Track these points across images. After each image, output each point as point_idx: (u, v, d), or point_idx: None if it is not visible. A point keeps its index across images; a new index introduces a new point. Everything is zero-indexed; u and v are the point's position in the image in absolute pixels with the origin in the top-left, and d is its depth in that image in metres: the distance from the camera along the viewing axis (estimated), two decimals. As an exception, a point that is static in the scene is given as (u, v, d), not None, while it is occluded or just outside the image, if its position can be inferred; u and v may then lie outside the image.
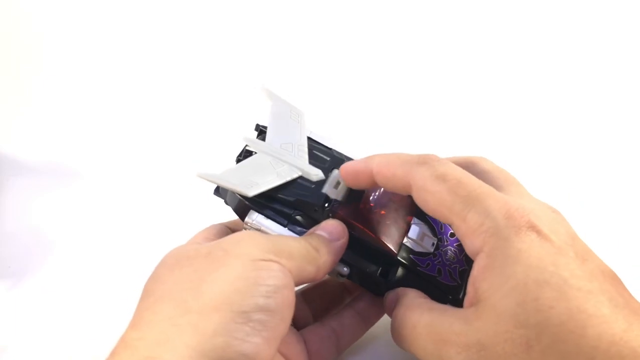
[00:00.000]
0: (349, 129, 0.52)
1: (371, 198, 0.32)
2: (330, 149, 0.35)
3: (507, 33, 0.61)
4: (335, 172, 0.32)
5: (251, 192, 0.29)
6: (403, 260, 0.31)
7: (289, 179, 0.31)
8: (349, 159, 0.35)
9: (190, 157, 0.52)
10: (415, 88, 0.58)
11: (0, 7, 0.62)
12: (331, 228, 0.30)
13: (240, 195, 0.31)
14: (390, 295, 0.30)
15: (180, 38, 0.61)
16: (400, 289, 0.30)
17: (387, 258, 0.31)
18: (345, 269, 0.31)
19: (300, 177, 0.32)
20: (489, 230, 0.24)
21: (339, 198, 0.31)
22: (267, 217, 0.31)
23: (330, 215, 0.31)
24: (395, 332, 0.28)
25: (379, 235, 0.31)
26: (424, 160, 0.27)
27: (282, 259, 0.26)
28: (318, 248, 0.29)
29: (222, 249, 0.26)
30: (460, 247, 0.32)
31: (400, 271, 0.31)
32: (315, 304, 0.36)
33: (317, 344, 0.32)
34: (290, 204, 0.31)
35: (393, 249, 0.31)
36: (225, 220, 0.35)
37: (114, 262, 0.44)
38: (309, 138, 0.35)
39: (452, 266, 0.31)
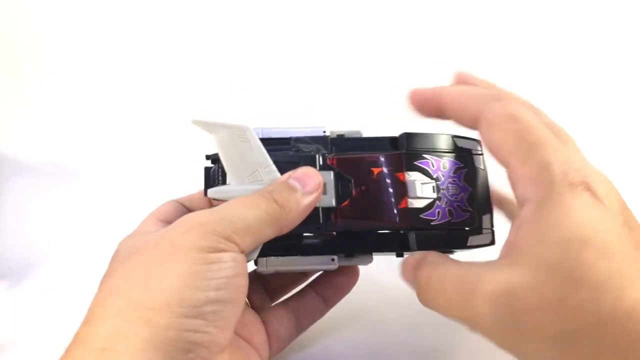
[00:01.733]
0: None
1: (360, 181, 0.31)
2: (289, 139, 0.32)
3: (508, 32, 0.61)
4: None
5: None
6: (416, 226, 0.30)
7: None
8: (316, 147, 0.32)
9: (190, 156, 0.52)
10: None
11: (0, 7, 0.62)
12: (306, 178, 0.28)
13: None
14: (410, 259, 0.29)
15: (181, 38, 0.61)
16: (420, 254, 0.29)
17: (400, 233, 0.31)
18: (333, 260, 0.31)
19: None
20: (544, 181, 0.23)
21: (333, 203, 0.30)
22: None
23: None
24: (421, 291, 0.27)
25: (384, 218, 0.30)
26: (500, 96, 0.26)
27: (236, 239, 0.25)
28: (284, 205, 0.27)
29: (169, 240, 0.25)
30: (457, 173, 0.32)
31: (416, 235, 0.31)
32: (271, 284, 0.35)
33: (275, 324, 0.33)
34: (289, 236, 0.29)
35: (402, 225, 0.30)
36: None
37: (114, 262, 0.44)
38: (263, 140, 0.31)
39: (459, 198, 0.31)
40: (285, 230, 0.28)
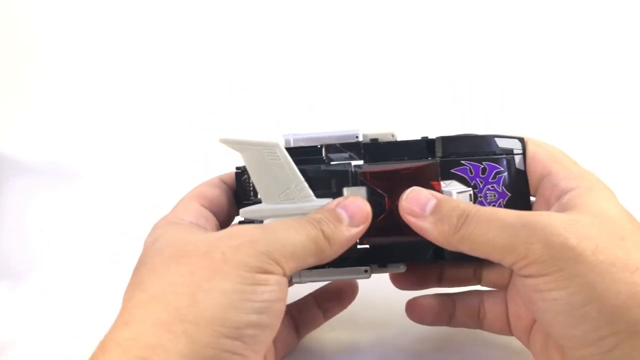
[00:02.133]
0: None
1: (394, 194, 0.30)
2: (320, 148, 0.32)
3: (508, 32, 0.61)
4: (345, 191, 0.31)
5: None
6: None
7: None
8: (349, 155, 0.32)
9: (190, 156, 0.52)
10: (411, 84, 0.58)
11: (0, 7, 0.62)
12: (354, 209, 0.28)
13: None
14: (417, 198, 0.28)
15: (181, 38, 0.61)
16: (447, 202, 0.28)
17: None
18: (366, 271, 0.31)
19: None
20: (587, 180, 0.28)
21: None
22: None
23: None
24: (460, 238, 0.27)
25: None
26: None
27: (283, 262, 0.26)
28: (330, 237, 0.27)
29: (221, 252, 0.25)
30: (496, 178, 0.31)
31: None
32: None
33: (281, 328, 0.33)
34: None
35: None
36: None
37: (114, 262, 0.44)
38: (293, 150, 0.31)
39: (497, 205, 0.31)
40: (325, 262, 0.28)
